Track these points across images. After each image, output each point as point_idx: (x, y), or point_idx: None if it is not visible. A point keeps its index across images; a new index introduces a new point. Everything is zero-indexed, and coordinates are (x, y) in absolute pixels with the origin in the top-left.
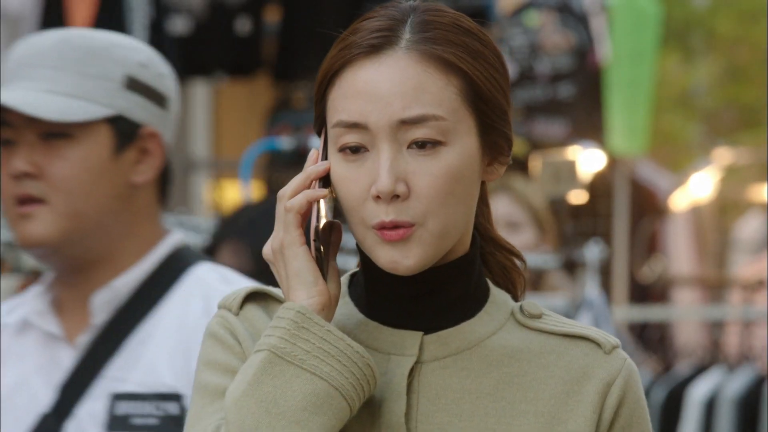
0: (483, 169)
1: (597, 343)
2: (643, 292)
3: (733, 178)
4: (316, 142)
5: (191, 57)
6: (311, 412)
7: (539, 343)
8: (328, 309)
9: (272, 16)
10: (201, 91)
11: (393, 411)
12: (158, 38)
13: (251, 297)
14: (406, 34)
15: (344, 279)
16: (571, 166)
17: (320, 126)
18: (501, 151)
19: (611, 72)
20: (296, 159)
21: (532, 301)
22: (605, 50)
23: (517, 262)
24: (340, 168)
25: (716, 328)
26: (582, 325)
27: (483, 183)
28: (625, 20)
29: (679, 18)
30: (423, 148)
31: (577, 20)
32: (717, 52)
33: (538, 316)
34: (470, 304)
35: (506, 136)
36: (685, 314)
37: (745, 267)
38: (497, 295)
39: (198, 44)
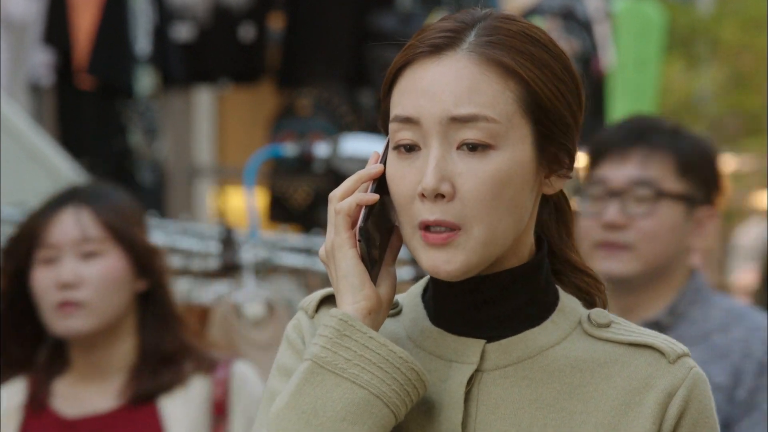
0: (540, 181)
1: (661, 352)
2: None
3: (737, 184)
4: (320, 149)
5: (195, 64)
6: (350, 422)
7: (604, 352)
8: (375, 314)
9: (276, 23)
10: (205, 97)
11: (450, 419)
12: (162, 45)
13: (329, 299)
14: (471, 38)
15: (421, 283)
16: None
17: (385, 123)
18: (560, 164)
19: (615, 79)
20: (300, 166)
21: (600, 310)
22: (609, 57)
23: (594, 282)
24: (393, 166)
25: None
26: (650, 332)
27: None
28: (629, 27)
29: (684, 25)
30: (474, 151)
31: (582, 27)
32: (721, 59)
33: (606, 325)
34: (535, 312)
35: (567, 149)
36: None
37: (746, 273)
38: (567, 303)
39: (202, 51)
